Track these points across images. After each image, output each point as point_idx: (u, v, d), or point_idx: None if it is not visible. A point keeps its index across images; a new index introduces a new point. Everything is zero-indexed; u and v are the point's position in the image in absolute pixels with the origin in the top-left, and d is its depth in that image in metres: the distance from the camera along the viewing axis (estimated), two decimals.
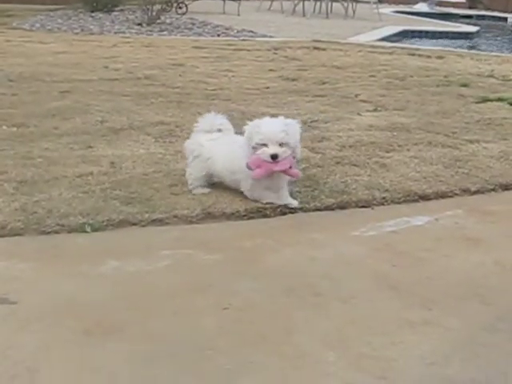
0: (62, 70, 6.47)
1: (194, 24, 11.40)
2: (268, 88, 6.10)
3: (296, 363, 2.12)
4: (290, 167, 3.30)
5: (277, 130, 3.24)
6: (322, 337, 2.27)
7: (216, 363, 2.11)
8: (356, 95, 5.95)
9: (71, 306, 2.39)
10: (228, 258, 2.75)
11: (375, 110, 5.37)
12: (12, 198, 3.23)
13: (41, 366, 2.07)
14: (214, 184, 3.39)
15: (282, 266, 2.72)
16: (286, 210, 3.27)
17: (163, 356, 2.14)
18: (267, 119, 3.33)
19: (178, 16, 12.24)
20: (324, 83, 6.45)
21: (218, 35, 10.32)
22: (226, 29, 10.97)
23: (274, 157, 3.22)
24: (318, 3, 14.63)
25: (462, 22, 15.19)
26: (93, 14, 11.85)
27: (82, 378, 2.02)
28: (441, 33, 12.97)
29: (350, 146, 4.27)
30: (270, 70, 7.06)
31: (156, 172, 3.62)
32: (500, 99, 5.90)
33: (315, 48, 8.79)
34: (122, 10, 12.43)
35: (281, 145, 3.24)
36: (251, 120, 4.52)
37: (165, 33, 10.24)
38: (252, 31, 10.72)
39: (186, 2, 12.63)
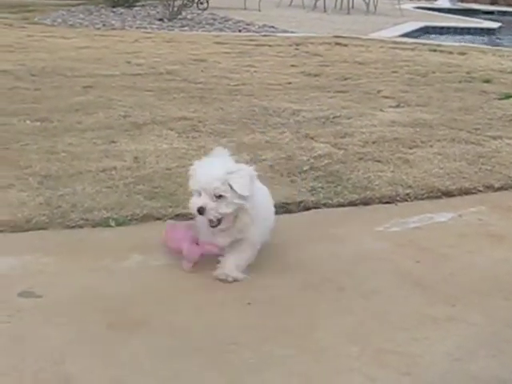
0: (84, 64, 6.48)
1: (215, 19, 11.40)
2: (290, 83, 6.09)
3: (319, 357, 2.13)
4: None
5: (212, 177, 2.58)
6: (345, 332, 2.27)
7: (240, 357, 2.12)
8: (378, 91, 5.94)
9: (96, 300, 2.40)
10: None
11: (398, 106, 5.36)
12: (37, 192, 3.25)
13: (66, 359, 2.08)
14: None
15: (304, 261, 2.73)
16: (309, 205, 3.26)
17: (187, 350, 2.16)
18: (211, 161, 2.70)
19: (199, 11, 12.25)
20: (346, 79, 6.44)
21: (240, 31, 10.31)
22: (248, 24, 10.96)
23: (200, 211, 2.58)
24: None
25: (483, 18, 15.08)
26: (114, 9, 11.87)
27: (106, 372, 2.03)
28: (462, 29, 12.91)
29: (373, 142, 4.27)
30: (292, 65, 7.05)
31: (179, 167, 3.63)
32: None
33: (337, 44, 8.76)
34: (143, 6, 12.45)
35: (219, 197, 2.58)
36: (273, 115, 4.56)
37: (186, 28, 10.25)
38: (273, 27, 10.71)
39: None
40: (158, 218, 3.01)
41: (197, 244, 2.63)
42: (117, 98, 5.16)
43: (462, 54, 8.38)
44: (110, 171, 3.55)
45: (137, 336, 2.22)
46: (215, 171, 2.59)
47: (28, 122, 4.47)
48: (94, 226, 2.98)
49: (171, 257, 2.69)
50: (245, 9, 13.37)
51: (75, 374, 2.01)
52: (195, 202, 2.59)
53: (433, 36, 11.84)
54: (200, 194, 2.60)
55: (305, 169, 3.74)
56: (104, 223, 2.99)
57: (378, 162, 3.90)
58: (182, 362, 2.09)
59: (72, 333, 2.23)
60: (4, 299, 2.39)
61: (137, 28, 9.98)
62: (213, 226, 2.55)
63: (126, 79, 5.92)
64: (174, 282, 2.53)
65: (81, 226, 2.98)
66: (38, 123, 4.45)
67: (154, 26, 10.22)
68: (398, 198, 3.45)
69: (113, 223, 2.98)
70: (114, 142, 4.08)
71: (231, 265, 2.63)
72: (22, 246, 2.79)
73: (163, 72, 6.33)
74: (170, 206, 3.15)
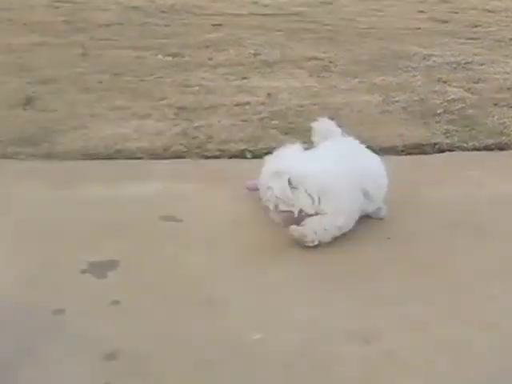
0: (212, 3, 6.50)
1: None
2: (419, 29, 5.98)
3: (462, 290, 2.11)
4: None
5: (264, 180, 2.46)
6: (485, 269, 2.24)
7: (384, 290, 2.11)
8: (510, 39, 5.76)
9: (234, 228, 2.44)
10: (390, 190, 2.73)
11: None
12: (173, 122, 3.31)
13: (208, 282, 2.15)
14: None
15: (440, 201, 2.71)
16: (443, 148, 3.22)
17: (326, 281, 2.16)
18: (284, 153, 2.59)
19: None
20: (476, 26, 6.28)
21: None
22: None
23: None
24: None
25: None
26: None
27: (248, 296, 2.10)
28: None
29: (508, 89, 4.16)
30: (420, 11, 6.91)
31: (312, 104, 3.63)
32: None
33: None
34: None
35: None
36: (403, 58, 4.50)
37: None
38: None
39: None
40: None
41: None
42: (246, 37, 5.16)
43: None
44: (244, 106, 3.58)
45: (277, 264, 2.24)
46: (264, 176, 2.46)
47: (160, 56, 4.53)
48: (230, 158, 3.02)
49: None
50: None
51: (218, 296, 2.05)
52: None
53: None
54: None
55: (438, 112, 3.68)
56: (240, 155, 3.01)
57: None
58: (322, 291, 2.09)
59: (213, 256, 2.27)
60: (147, 221, 2.44)
61: None
62: None
63: (255, 19, 5.91)
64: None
65: (217, 157, 3.02)
66: (170, 58, 4.50)
67: None
68: None
69: (249, 155, 3.00)
70: (245, 78, 4.10)
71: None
72: (162, 172, 2.85)
73: (291, 13, 6.27)
74: (306, 142, 3.14)
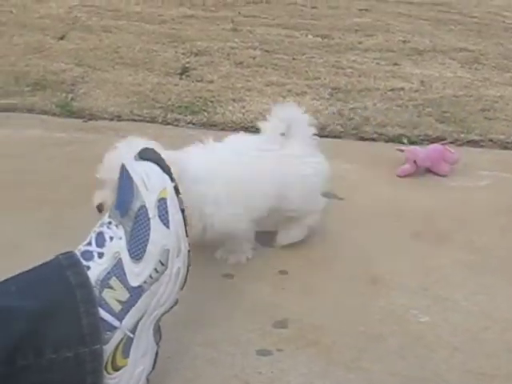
0: None
1: None
2: None
3: None
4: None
5: None
6: None
7: None
8: None
9: (396, 210, 2.43)
10: None
11: None
12: (328, 102, 3.32)
13: (373, 261, 2.14)
14: None
15: None
16: None
17: (492, 268, 2.15)
18: None
19: None
20: None
21: None
22: None
23: None
24: None
25: None
26: None
27: (412, 278, 2.11)
28: None
29: None
30: None
31: (466, 96, 3.59)
32: None
33: None
34: None
35: None
36: None
37: None
38: None
39: None
40: (451, 143, 2.98)
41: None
42: (394, 24, 5.14)
43: None
44: (398, 91, 3.56)
45: (441, 249, 2.22)
46: None
47: (310, 36, 4.53)
48: (386, 141, 3.01)
49: (467, 179, 2.67)
50: None
51: (382, 276, 2.05)
52: None
53: None
54: None
55: None
56: (397, 139, 3.00)
57: None
58: (487, 279, 2.08)
59: (377, 236, 2.27)
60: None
61: None
62: None
63: (401, 6, 5.87)
64: (472, 203, 2.52)
65: (374, 140, 3.01)
66: (320, 39, 4.50)
67: None
68: None
69: (405, 140, 2.99)
70: (397, 64, 4.08)
71: None
72: (320, 150, 2.85)
73: (437, 3, 6.19)
74: (462, 132, 3.12)
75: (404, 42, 4.58)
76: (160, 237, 1.46)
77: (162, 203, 1.47)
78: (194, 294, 1.66)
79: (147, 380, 1.48)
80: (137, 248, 1.45)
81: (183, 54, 3.93)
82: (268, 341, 1.73)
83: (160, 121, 2.98)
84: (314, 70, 3.78)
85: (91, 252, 1.46)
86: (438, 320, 1.87)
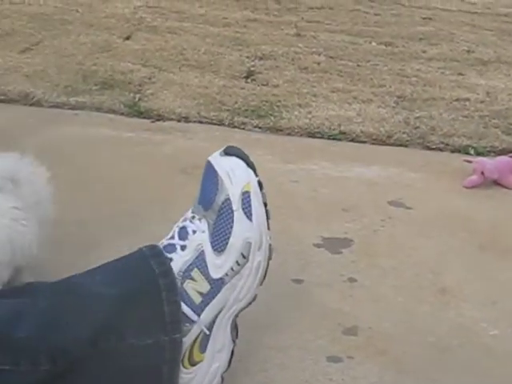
0: None
1: None
2: None
3: None
4: None
5: None
6: None
7: None
8: None
9: (463, 221, 2.43)
10: None
11: None
12: (394, 110, 3.32)
13: (442, 271, 2.12)
14: None
15: None
16: None
17: None
18: None
19: None
20: None
21: None
22: None
23: None
24: None
25: None
26: None
27: (481, 290, 2.09)
28: None
29: None
30: None
31: None
32: None
33: None
34: None
35: None
36: None
37: None
38: None
39: None
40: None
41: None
42: (458, 33, 5.12)
43: None
44: (464, 102, 3.55)
45: (508, 261, 2.22)
46: None
47: (374, 43, 4.53)
48: (452, 152, 3.01)
49: None
50: None
51: (450, 286, 2.05)
52: None
53: None
54: None
55: None
56: (463, 150, 3.00)
57: None
58: None
59: (444, 246, 2.27)
60: (376, 205, 2.47)
61: None
62: None
63: (464, 16, 5.84)
64: None
65: (440, 150, 3.01)
66: (383, 46, 4.50)
67: None
68: None
69: (472, 151, 2.99)
70: (461, 74, 4.07)
71: None
72: (386, 158, 2.87)
73: (500, 13, 6.15)
74: None
75: (468, 51, 4.56)
76: (243, 229, 1.48)
77: (245, 196, 1.50)
78: (264, 298, 1.67)
79: (222, 378, 1.49)
80: (219, 240, 1.48)
81: (248, 57, 3.96)
82: (338, 348, 1.74)
83: (227, 124, 3.01)
84: (378, 77, 3.79)
85: (174, 245, 1.49)
86: (507, 334, 1.86)
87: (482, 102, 3.56)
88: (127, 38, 4.18)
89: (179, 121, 3.06)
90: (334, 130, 3.03)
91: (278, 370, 1.66)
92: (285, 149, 2.86)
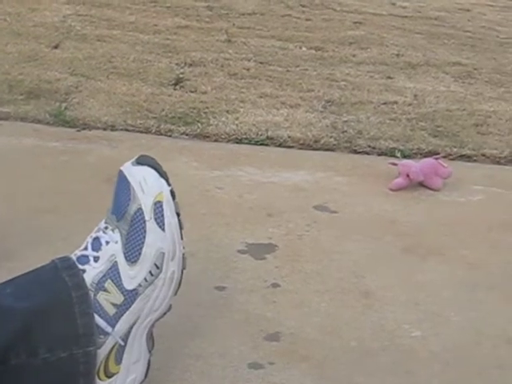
0: (350, 1, 6.52)
1: None
2: None
3: None
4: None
5: None
6: None
7: None
8: None
9: (388, 224, 2.44)
10: None
11: None
12: (322, 115, 3.33)
13: (366, 274, 2.12)
14: None
15: None
16: None
17: (483, 284, 2.15)
18: None
19: None
20: None
21: None
22: None
23: None
24: None
25: None
26: None
27: (403, 293, 2.10)
28: None
29: None
30: None
31: (459, 110, 3.61)
32: None
33: None
34: None
35: None
36: None
37: None
38: None
39: None
40: (444, 157, 2.99)
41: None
42: (388, 37, 5.17)
43: None
44: (392, 105, 3.58)
45: (432, 263, 2.23)
46: None
47: (304, 48, 4.55)
48: (379, 155, 3.03)
49: (460, 194, 2.69)
50: None
51: (374, 290, 2.06)
52: None
53: None
54: None
55: None
56: (390, 153, 3.02)
57: None
58: (478, 295, 2.08)
59: (369, 249, 2.27)
60: (301, 209, 2.47)
61: None
62: None
63: (394, 20, 5.90)
64: (464, 218, 2.53)
65: (367, 153, 3.03)
66: (314, 51, 4.53)
67: None
68: None
69: (399, 154, 3.00)
70: (390, 77, 4.11)
71: None
72: (312, 163, 2.87)
73: (430, 17, 6.24)
74: (455, 146, 3.13)
75: (397, 55, 4.60)
76: (155, 239, 1.47)
77: (158, 206, 1.48)
78: (184, 306, 1.66)
79: None
80: (132, 250, 1.46)
81: (177, 64, 3.94)
82: (259, 354, 1.74)
83: (153, 131, 2.99)
84: (307, 82, 3.80)
85: (87, 256, 1.47)
86: (429, 335, 1.87)
87: (409, 104, 3.59)
88: (55, 47, 4.13)
89: (105, 129, 3.03)
90: (261, 135, 3.02)
91: (197, 378, 1.64)
92: (211, 155, 2.84)
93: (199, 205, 2.45)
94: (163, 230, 1.49)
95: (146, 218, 1.48)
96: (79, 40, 4.33)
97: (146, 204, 1.49)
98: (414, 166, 2.68)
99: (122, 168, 1.56)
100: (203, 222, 2.34)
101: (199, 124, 3.12)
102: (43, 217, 2.29)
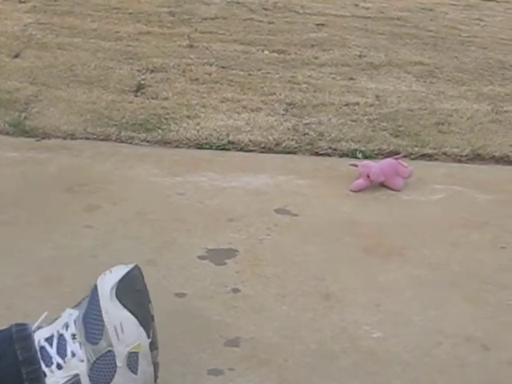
0: (313, 3, 6.52)
1: None
2: None
3: None
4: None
5: None
6: None
7: (496, 297, 2.09)
8: None
9: (349, 225, 2.44)
10: (501, 200, 2.73)
11: None
12: (283, 118, 3.33)
13: (326, 276, 2.12)
14: None
15: None
16: None
17: (444, 283, 2.15)
18: None
19: None
20: None
21: None
22: None
23: None
24: None
25: None
26: None
27: (365, 293, 2.10)
28: None
29: None
30: None
31: (421, 109, 3.63)
32: None
33: None
34: None
35: None
36: (510, 69, 4.43)
37: None
38: None
39: None
40: (404, 156, 2.99)
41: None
42: (350, 38, 5.18)
43: None
44: (353, 106, 3.58)
45: (393, 263, 2.23)
46: None
47: (266, 52, 4.55)
48: (341, 156, 3.03)
49: (420, 193, 2.70)
50: None
51: (334, 292, 2.06)
52: None
53: None
54: None
55: None
56: (351, 154, 3.03)
57: None
58: (440, 294, 2.08)
59: (329, 252, 2.27)
60: (262, 213, 2.46)
61: None
62: None
63: (357, 21, 5.92)
64: (425, 217, 2.55)
65: (329, 155, 3.03)
66: (276, 54, 4.53)
67: None
68: None
69: (360, 155, 3.01)
70: (352, 79, 4.12)
71: None
72: (274, 166, 2.87)
73: (393, 17, 6.27)
74: (416, 146, 3.14)
75: (360, 56, 4.62)
76: (126, 381, 1.42)
77: (132, 356, 1.42)
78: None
79: None
80: (99, 380, 1.41)
81: (139, 70, 3.92)
82: (219, 360, 1.73)
83: (114, 139, 2.97)
84: (269, 85, 3.79)
85: (51, 357, 1.41)
86: (390, 336, 1.87)
87: (371, 105, 3.60)
88: (16, 56, 4.10)
89: (65, 138, 3.01)
90: (222, 140, 3.01)
91: None
92: (172, 161, 2.83)
93: (160, 211, 2.44)
94: (135, 373, 1.43)
95: (118, 363, 1.42)
96: (40, 48, 4.29)
97: (120, 351, 1.41)
98: (375, 166, 2.69)
99: (98, 284, 1.46)
100: (164, 229, 2.32)
101: (160, 130, 3.10)
102: (2, 228, 2.26)
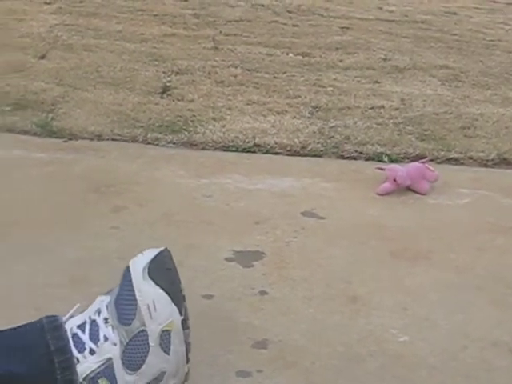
0: (337, 6, 6.51)
1: None
2: None
3: None
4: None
5: None
6: None
7: None
8: None
9: (375, 228, 2.44)
10: None
11: None
12: (309, 121, 3.34)
13: (353, 280, 2.12)
14: None
15: None
16: None
17: (470, 287, 2.15)
18: None
19: None
20: None
21: None
22: None
23: None
24: None
25: None
26: None
27: (391, 297, 2.11)
28: None
29: None
30: None
31: (447, 113, 3.62)
32: None
33: None
34: None
35: None
36: None
37: None
38: None
39: None
40: (431, 160, 2.99)
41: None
42: (375, 41, 5.17)
43: None
44: (379, 109, 3.58)
45: (419, 267, 2.23)
46: None
47: (291, 54, 4.56)
48: (367, 160, 3.03)
49: (447, 197, 2.69)
50: None
51: (361, 295, 2.05)
52: None
53: None
54: None
55: None
56: (377, 158, 3.03)
57: None
58: (466, 298, 2.08)
59: (356, 255, 2.27)
60: (289, 216, 2.46)
61: None
62: None
63: (381, 24, 5.91)
64: (451, 221, 2.54)
65: (354, 158, 3.03)
66: (301, 57, 4.53)
67: None
68: None
69: (386, 159, 3.01)
70: (377, 82, 4.11)
71: None
72: (300, 169, 2.87)
73: (417, 21, 6.25)
74: (442, 150, 3.14)
75: (384, 59, 4.61)
76: (158, 361, 1.42)
77: (165, 334, 1.42)
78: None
79: None
80: (131, 362, 1.41)
81: (164, 72, 3.94)
82: (247, 362, 1.73)
83: (140, 140, 2.99)
84: (294, 88, 3.80)
85: (83, 343, 1.42)
86: (416, 339, 1.87)
87: (396, 109, 3.60)
88: (42, 57, 4.13)
89: (92, 139, 3.03)
90: (248, 142, 3.02)
91: None
92: (199, 163, 2.84)
93: (186, 213, 2.45)
94: (168, 354, 1.44)
95: (151, 343, 1.42)
96: (66, 50, 4.32)
97: (152, 330, 1.42)
98: (401, 170, 2.69)
99: (130, 265, 1.48)
100: (190, 231, 2.33)
101: (186, 132, 3.12)
102: (26, 229, 2.28)
